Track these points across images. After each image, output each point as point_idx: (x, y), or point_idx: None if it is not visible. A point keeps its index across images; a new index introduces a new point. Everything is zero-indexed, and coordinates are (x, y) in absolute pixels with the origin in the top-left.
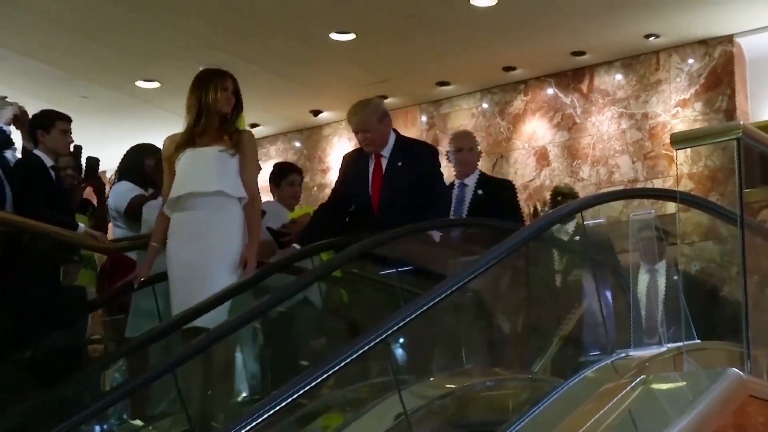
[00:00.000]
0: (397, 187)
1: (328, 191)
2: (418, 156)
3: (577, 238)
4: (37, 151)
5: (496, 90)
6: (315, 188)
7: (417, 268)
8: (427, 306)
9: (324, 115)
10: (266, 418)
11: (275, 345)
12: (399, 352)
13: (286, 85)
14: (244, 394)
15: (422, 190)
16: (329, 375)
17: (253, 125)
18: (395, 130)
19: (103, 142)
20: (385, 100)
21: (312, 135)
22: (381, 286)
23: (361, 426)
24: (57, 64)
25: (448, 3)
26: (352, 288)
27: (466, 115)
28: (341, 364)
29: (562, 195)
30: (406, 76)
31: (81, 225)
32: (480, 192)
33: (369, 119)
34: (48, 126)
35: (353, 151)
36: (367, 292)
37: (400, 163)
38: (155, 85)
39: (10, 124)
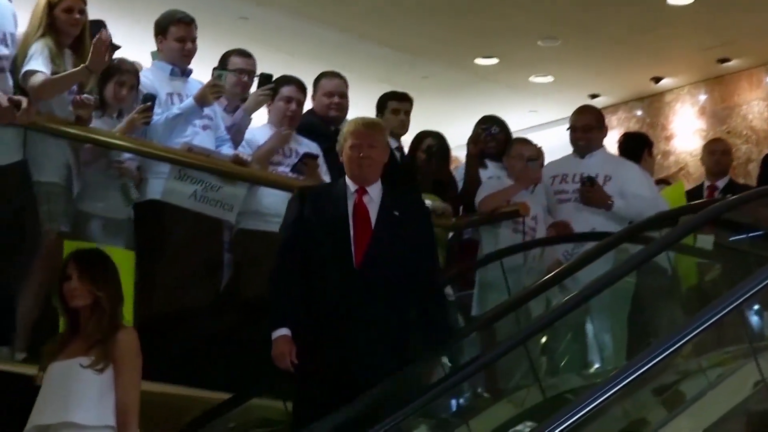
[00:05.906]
0: (391, 239)
1: (672, 159)
2: (415, 214)
3: None
4: None
5: None
6: (660, 156)
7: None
8: None
9: (665, 82)
10: (619, 389)
11: (625, 315)
12: (754, 318)
13: (625, 54)
14: (597, 365)
15: (415, 260)
16: (683, 344)
17: (594, 95)
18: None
19: (444, 121)
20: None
21: (653, 102)
22: (730, 252)
23: (719, 394)
24: (397, 46)
25: None
26: (701, 255)
27: None
28: (693, 333)
29: None
30: (750, 37)
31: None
32: None
33: (382, 135)
34: (382, 108)
35: (310, 186)
36: (715, 259)
37: (396, 213)
38: (494, 61)
39: None
